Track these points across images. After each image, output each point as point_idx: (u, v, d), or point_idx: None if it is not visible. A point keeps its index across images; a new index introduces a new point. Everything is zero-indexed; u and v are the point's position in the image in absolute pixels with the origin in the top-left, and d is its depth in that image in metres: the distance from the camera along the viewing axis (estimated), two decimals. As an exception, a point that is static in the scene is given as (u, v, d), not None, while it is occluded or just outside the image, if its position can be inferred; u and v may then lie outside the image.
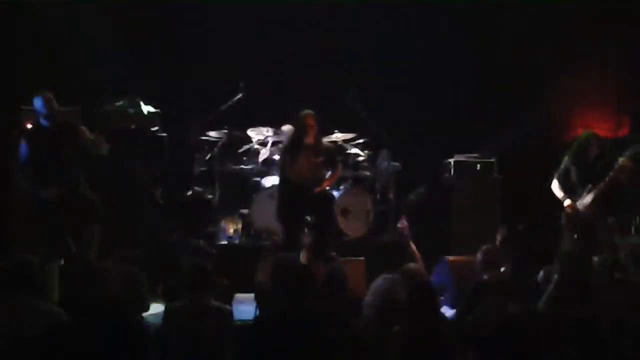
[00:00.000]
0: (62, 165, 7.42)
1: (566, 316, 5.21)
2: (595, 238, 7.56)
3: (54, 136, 7.42)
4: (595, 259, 6.11)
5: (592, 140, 7.85)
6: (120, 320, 4.80)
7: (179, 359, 5.16)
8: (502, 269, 6.51)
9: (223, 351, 5.23)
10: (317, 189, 7.82)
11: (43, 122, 7.41)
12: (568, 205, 7.73)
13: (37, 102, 7.41)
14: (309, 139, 7.77)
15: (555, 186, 7.88)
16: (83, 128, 7.58)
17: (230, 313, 5.45)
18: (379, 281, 6.12)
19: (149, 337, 5.00)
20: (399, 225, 8.41)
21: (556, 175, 7.92)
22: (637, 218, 8.81)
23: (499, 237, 8.27)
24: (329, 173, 8.00)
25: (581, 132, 8.84)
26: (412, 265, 6.64)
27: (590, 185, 7.68)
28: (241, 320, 6.07)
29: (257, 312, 6.23)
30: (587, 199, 7.66)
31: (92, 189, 7.59)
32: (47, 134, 7.43)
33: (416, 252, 7.62)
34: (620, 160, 7.56)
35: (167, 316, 5.34)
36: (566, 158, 7.90)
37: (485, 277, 6.20)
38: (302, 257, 7.46)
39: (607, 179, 7.57)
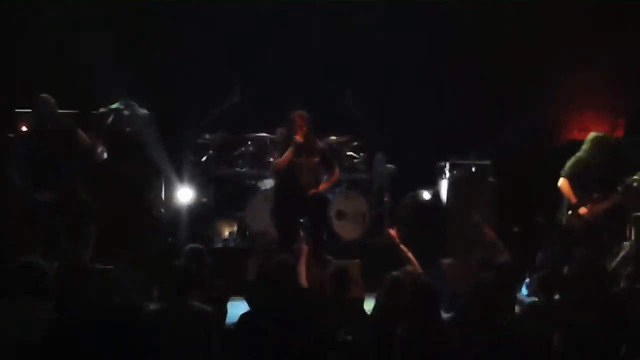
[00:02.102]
0: (60, 167, 7.41)
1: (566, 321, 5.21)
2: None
3: (53, 139, 7.42)
4: None
5: (612, 143, 7.85)
6: (117, 322, 4.79)
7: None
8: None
9: (208, 353, 5.21)
10: (313, 191, 7.80)
11: (43, 124, 7.41)
12: (585, 213, 7.71)
13: (37, 106, 7.41)
14: (298, 138, 7.77)
15: (566, 187, 7.80)
16: (81, 132, 7.59)
17: (213, 314, 5.43)
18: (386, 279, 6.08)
19: (146, 338, 4.98)
20: (386, 233, 8.39)
21: (567, 174, 7.82)
22: None
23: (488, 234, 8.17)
24: (326, 176, 8.00)
25: (581, 134, 8.89)
26: (409, 268, 6.64)
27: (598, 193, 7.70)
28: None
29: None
30: (599, 204, 7.67)
31: (88, 191, 7.59)
32: (46, 136, 7.43)
33: (410, 255, 7.61)
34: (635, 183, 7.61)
35: (148, 318, 5.31)
36: (583, 157, 7.83)
37: (482, 278, 6.20)
38: (301, 261, 7.44)
39: (617, 193, 7.62)
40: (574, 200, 7.76)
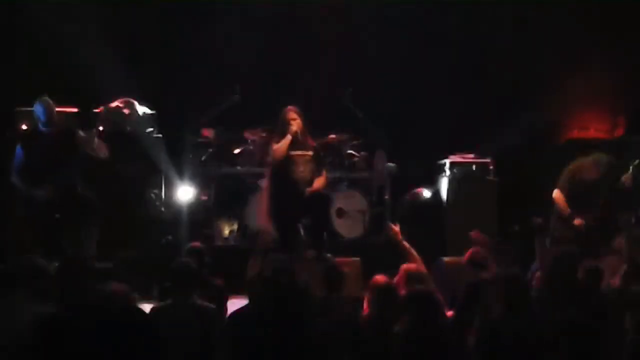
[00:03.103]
0: (60, 167, 7.42)
1: (562, 319, 5.21)
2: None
3: (52, 139, 7.43)
4: None
5: (602, 162, 7.80)
6: (119, 320, 4.78)
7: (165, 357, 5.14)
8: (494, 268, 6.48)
9: (211, 350, 5.22)
10: (310, 190, 7.82)
11: (42, 128, 7.42)
12: (579, 224, 7.68)
13: (38, 108, 7.42)
14: (294, 128, 7.79)
15: (560, 198, 7.79)
16: (81, 133, 7.60)
17: (216, 312, 5.44)
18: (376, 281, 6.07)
19: (149, 337, 4.98)
20: (388, 229, 8.37)
21: (562, 185, 7.80)
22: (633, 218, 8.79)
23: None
24: (317, 175, 8.00)
25: (581, 133, 8.87)
26: (411, 265, 6.62)
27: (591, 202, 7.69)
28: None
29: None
30: (588, 218, 7.65)
31: (88, 190, 7.59)
32: (45, 136, 7.44)
33: (413, 251, 7.58)
34: (623, 179, 7.59)
35: (151, 316, 5.32)
36: (570, 173, 7.82)
37: (476, 278, 6.20)
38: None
39: (608, 198, 7.61)
40: (567, 211, 7.74)
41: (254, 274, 6.90)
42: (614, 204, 7.74)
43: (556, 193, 7.81)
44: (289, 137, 7.80)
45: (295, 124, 7.83)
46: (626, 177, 7.64)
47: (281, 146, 7.82)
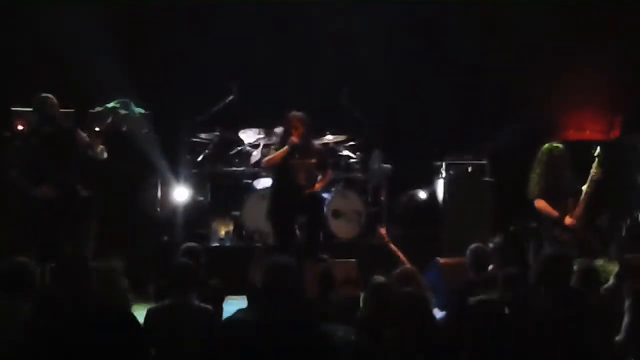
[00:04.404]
0: (59, 166, 7.41)
1: (558, 317, 5.22)
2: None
3: (52, 139, 7.42)
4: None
5: (561, 151, 7.79)
6: (116, 319, 4.78)
7: (163, 358, 5.14)
8: (490, 267, 6.49)
9: (207, 351, 5.21)
10: (308, 191, 7.83)
11: (43, 123, 7.42)
12: (571, 223, 7.66)
13: (41, 103, 7.42)
14: (294, 139, 7.77)
15: (543, 205, 7.78)
16: (79, 131, 7.60)
17: (213, 313, 5.44)
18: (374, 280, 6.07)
19: (144, 336, 4.98)
20: (377, 233, 8.40)
21: (538, 194, 7.81)
22: (628, 219, 8.82)
23: (491, 245, 8.14)
24: (319, 177, 8.01)
25: (577, 134, 8.86)
26: (405, 267, 6.62)
27: (569, 197, 7.68)
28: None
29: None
30: (577, 210, 7.64)
31: (87, 190, 7.60)
32: (45, 136, 7.43)
33: (400, 254, 7.59)
34: (593, 170, 7.56)
35: (148, 316, 5.32)
36: (539, 174, 7.82)
37: (474, 277, 6.21)
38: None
39: (586, 188, 7.57)
40: (555, 214, 7.72)
41: (255, 276, 6.91)
42: (594, 198, 7.73)
43: (538, 202, 7.79)
44: (286, 148, 7.78)
45: (297, 135, 7.78)
46: (595, 171, 7.61)
47: (274, 157, 7.82)
